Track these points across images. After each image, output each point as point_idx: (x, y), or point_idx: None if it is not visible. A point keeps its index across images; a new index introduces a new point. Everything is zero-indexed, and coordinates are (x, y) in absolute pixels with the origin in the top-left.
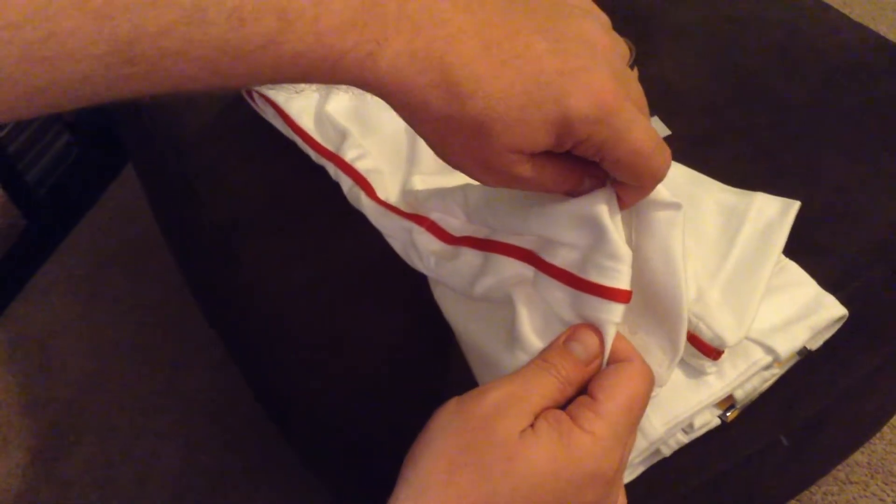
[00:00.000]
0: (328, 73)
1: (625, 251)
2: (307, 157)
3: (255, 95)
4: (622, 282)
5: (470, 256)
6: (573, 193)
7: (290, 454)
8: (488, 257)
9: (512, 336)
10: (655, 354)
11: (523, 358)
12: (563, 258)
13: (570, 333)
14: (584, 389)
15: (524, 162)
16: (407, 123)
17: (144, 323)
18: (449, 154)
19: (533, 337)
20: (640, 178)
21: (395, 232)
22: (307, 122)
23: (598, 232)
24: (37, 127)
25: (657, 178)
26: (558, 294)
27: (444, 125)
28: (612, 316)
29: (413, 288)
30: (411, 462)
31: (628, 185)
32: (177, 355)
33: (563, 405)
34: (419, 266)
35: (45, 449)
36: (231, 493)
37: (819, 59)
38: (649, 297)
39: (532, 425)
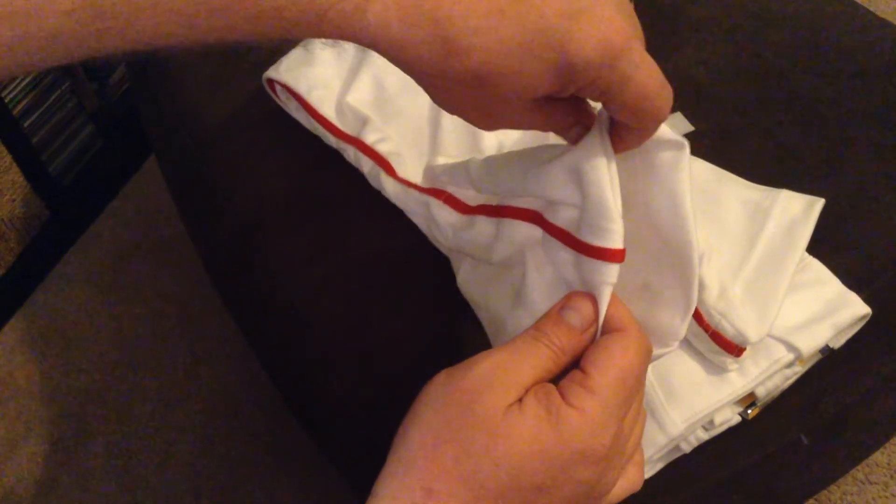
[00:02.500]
0: (312, 27)
1: (615, 209)
2: (329, 151)
3: (278, 88)
4: (614, 241)
5: (484, 224)
6: (562, 135)
7: (308, 445)
8: (500, 223)
9: (518, 296)
10: (669, 307)
11: (526, 320)
12: (563, 218)
13: (565, 301)
14: (579, 359)
15: (523, 108)
16: (402, 71)
17: (166, 314)
18: (446, 103)
19: (537, 298)
20: (644, 119)
21: (415, 207)
22: (328, 111)
23: (588, 189)
24: (60, 118)
25: (660, 119)
26: (563, 254)
27: (440, 79)
28: (606, 277)
29: (435, 281)
30: (401, 434)
31: (630, 126)
32: (197, 346)
33: (559, 376)
34: (440, 239)
35: (65, 438)
36: (250, 483)
37: (845, 57)
38: (657, 246)
39: (520, 400)
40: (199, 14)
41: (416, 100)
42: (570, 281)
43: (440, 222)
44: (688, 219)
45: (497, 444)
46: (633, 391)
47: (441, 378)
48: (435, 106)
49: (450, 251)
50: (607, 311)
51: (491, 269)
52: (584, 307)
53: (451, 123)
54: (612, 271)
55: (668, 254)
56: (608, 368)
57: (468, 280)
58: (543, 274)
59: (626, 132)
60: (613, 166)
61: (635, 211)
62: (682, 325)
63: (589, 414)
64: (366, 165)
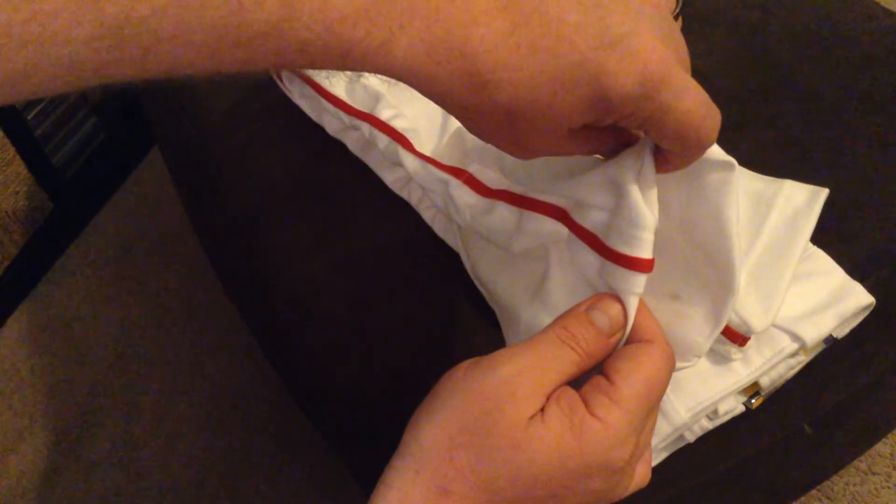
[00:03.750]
0: (338, 61)
1: (649, 218)
2: (332, 142)
3: (284, 74)
4: (643, 250)
5: (505, 212)
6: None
7: (312, 436)
8: (523, 214)
9: (537, 290)
10: (695, 322)
11: (543, 317)
12: (591, 220)
13: (593, 302)
14: (600, 365)
15: (560, 138)
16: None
17: (169, 306)
18: (481, 133)
19: (559, 297)
20: (688, 147)
21: (433, 185)
22: (339, 91)
23: (623, 196)
24: (63, 110)
25: (706, 146)
26: (588, 257)
27: (472, 111)
28: (632, 286)
29: (438, 271)
30: (414, 428)
31: (675, 151)
32: (200, 338)
33: (579, 379)
34: (456, 219)
35: (70, 430)
36: (254, 475)
37: (849, 47)
38: (697, 263)
39: (543, 409)
40: (221, 47)
41: None
42: (594, 284)
43: (458, 203)
44: (733, 243)
45: (518, 455)
46: (656, 404)
47: (460, 374)
48: None
49: (462, 231)
50: (635, 319)
51: (505, 255)
52: (614, 310)
53: None
54: (639, 281)
55: (706, 270)
56: (636, 380)
57: (480, 260)
58: (567, 273)
59: (672, 155)
60: (651, 175)
61: (673, 220)
62: (707, 342)
63: (612, 426)
64: (381, 141)
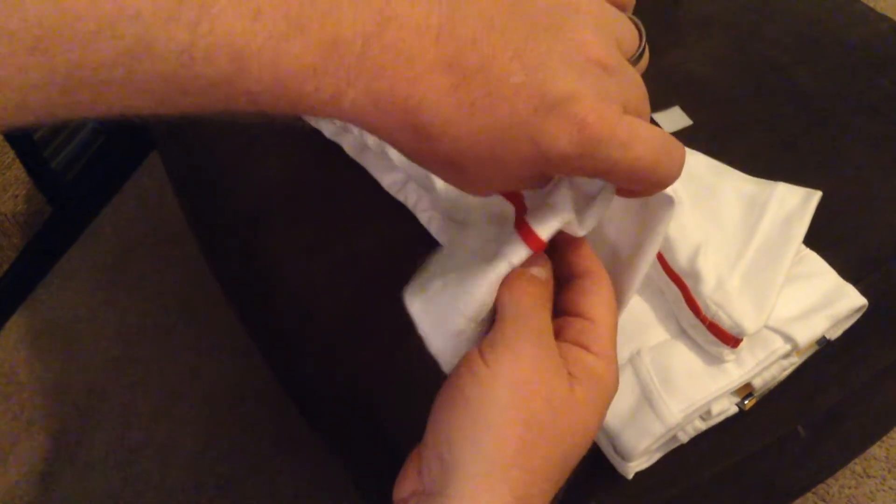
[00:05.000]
0: (288, 111)
1: (563, 210)
2: (330, 145)
3: None
4: (544, 227)
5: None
6: None
7: (311, 438)
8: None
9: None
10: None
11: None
12: (530, 199)
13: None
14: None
15: (508, 184)
16: None
17: (167, 309)
18: (435, 174)
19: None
20: (646, 188)
21: (414, 169)
22: None
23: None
24: None
25: (665, 184)
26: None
27: (419, 158)
28: (510, 254)
29: None
30: (466, 442)
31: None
32: (199, 341)
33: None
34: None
35: (68, 432)
36: (252, 477)
37: (843, 51)
38: (608, 263)
39: (569, 373)
40: (171, 95)
41: None
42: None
43: (437, 187)
44: (640, 271)
45: (576, 424)
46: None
47: (484, 373)
48: None
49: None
50: (577, 255)
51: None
52: (542, 260)
53: None
54: (520, 252)
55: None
56: (607, 310)
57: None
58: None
59: (632, 192)
60: (607, 195)
61: (612, 218)
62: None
63: (611, 359)
64: (370, 138)
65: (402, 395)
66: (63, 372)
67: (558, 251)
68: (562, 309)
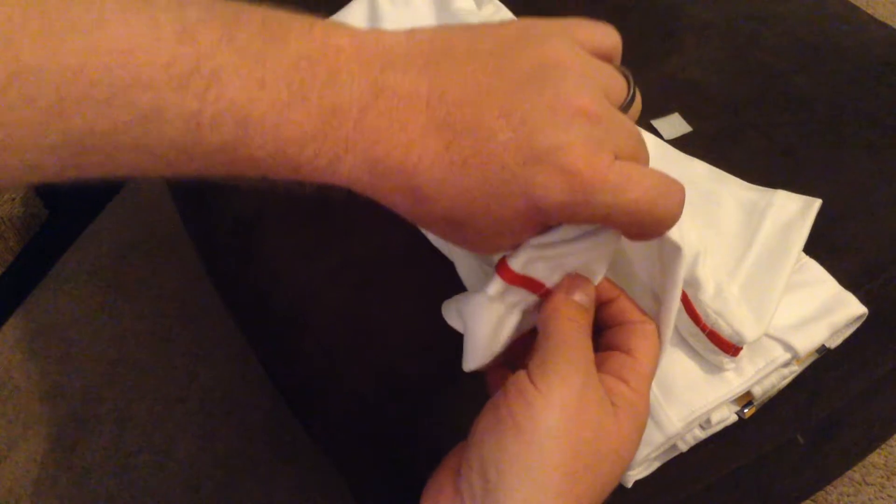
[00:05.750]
0: (289, 175)
1: (534, 241)
2: None
3: None
4: (513, 260)
5: None
6: None
7: (307, 443)
8: None
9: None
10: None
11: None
12: None
13: (569, 287)
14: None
15: (507, 239)
16: None
17: (164, 313)
18: (437, 235)
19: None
20: (648, 230)
21: None
22: None
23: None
24: None
25: (667, 224)
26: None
27: (418, 219)
28: (488, 287)
29: (434, 277)
30: (515, 466)
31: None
32: (196, 346)
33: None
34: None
35: (64, 437)
36: (248, 482)
37: (842, 58)
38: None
39: (615, 405)
40: (178, 160)
41: None
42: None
43: None
44: (671, 316)
45: (619, 452)
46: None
47: (538, 403)
48: None
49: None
50: (625, 302)
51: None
52: (590, 287)
53: None
54: (494, 283)
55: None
56: (652, 355)
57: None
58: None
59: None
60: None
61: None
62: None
63: (644, 394)
64: None
65: (399, 400)
66: (59, 375)
67: (604, 303)
68: (606, 343)
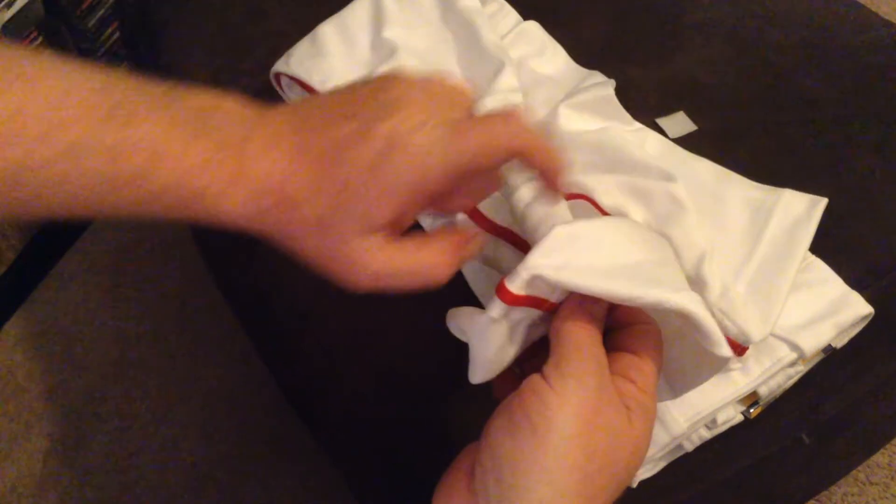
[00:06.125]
0: (192, 208)
1: (530, 263)
2: None
3: (284, 82)
4: (512, 283)
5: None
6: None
7: (309, 443)
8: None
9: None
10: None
11: None
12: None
13: (581, 301)
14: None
15: (380, 247)
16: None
17: (166, 312)
18: (313, 262)
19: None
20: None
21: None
22: None
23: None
24: None
25: (515, 136)
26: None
27: (291, 238)
28: (490, 309)
29: None
30: (532, 468)
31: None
32: (198, 345)
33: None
34: None
35: (67, 436)
36: (250, 481)
37: (848, 57)
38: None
39: (625, 406)
40: (98, 192)
41: None
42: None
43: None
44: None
45: (633, 453)
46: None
47: (554, 403)
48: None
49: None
50: (632, 311)
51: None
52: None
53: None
54: (494, 307)
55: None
56: (656, 354)
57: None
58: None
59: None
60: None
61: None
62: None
63: (652, 395)
64: None
65: (399, 400)
66: (61, 375)
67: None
68: (612, 346)
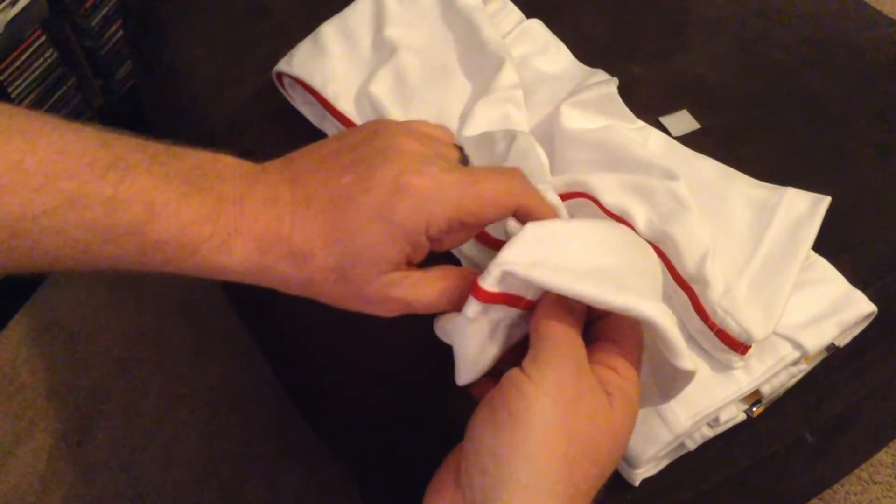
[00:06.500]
0: (189, 260)
1: (501, 259)
2: None
3: (286, 81)
4: (485, 281)
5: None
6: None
7: (312, 440)
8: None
9: None
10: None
11: None
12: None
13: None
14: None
15: (398, 282)
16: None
17: (170, 310)
18: (338, 303)
19: None
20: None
21: None
22: (344, 105)
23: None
24: (66, 114)
25: (516, 193)
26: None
27: (312, 286)
28: (466, 309)
29: None
30: (514, 455)
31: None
32: (201, 343)
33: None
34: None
35: (71, 433)
36: (253, 478)
37: (852, 55)
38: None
39: (606, 392)
40: (95, 243)
41: (442, 93)
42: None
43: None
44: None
45: (615, 437)
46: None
47: (532, 392)
48: (469, 101)
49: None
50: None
51: None
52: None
53: (485, 118)
54: (470, 306)
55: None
56: (631, 335)
57: None
58: None
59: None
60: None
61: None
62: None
63: (634, 380)
64: None
65: (403, 400)
66: (65, 372)
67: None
68: (593, 335)
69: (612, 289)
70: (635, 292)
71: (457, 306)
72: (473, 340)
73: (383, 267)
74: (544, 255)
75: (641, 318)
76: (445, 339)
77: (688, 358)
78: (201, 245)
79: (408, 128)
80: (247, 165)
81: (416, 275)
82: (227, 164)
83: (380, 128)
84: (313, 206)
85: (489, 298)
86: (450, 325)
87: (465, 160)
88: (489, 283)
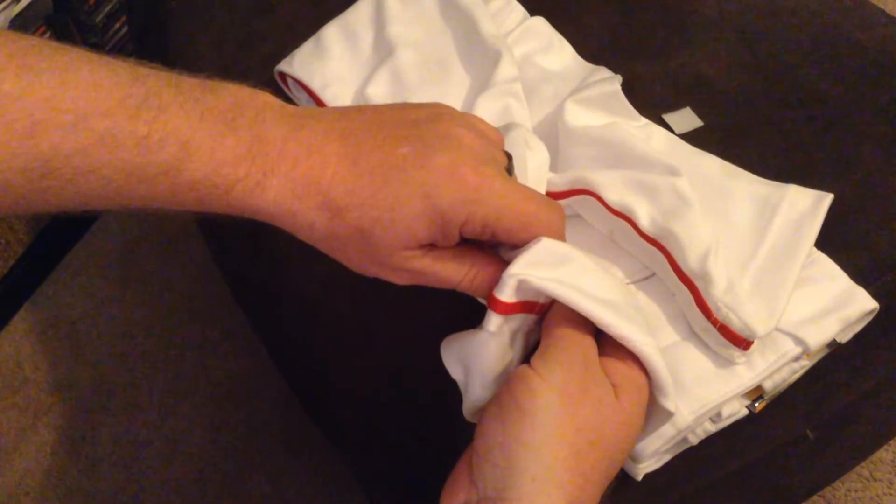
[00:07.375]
0: (222, 199)
1: (514, 270)
2: None
3: (290, 81)
4: (502, 293)
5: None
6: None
7: (316, 436)
8: None
9: None
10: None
11: None
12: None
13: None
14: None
15: (419, 256)
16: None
17: (173, 305)
18: (351, 263)
19: None
20: (530, 232)
21: None
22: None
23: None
24: None
25: (554, 229)
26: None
27: (334, 239)
28: (487, 324)
29: None
30: (522, 448)
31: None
32: (205, 338)
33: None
34: None
35: (74, 428)
36: (257, 475)
37: (854, 54)
38: None
39: (614, 384)
40: (128, 183)
41: (440, 90)
42: None
43: None
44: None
45: (624, 427)
46: None
47: (536, 384)
48: (468, 96)
49: None
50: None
51: None
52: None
53: (487, 111)
54: (489, 320)
55: None
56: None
57: None
58: None
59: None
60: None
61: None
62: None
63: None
64: None
65: (407, 395)
66: (69, 367)
67: None
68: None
69: (617, 315)
70: (638, 326)
71: (471, 286)
72: (494, 355)
73: (409, 242)
74: (556, 270)
75: (637, 351)
76: (452, 369)
77: (671, 397)
78: (235, 185)
79: (468, 121)
80: (289, 108)
81: (437, 251)
82: (268, 104)
83: (444, 112)
84: (361, 164)
85: (508, 309)
86: (467, 344)
87: (510, 169)
88: (507, 294)
